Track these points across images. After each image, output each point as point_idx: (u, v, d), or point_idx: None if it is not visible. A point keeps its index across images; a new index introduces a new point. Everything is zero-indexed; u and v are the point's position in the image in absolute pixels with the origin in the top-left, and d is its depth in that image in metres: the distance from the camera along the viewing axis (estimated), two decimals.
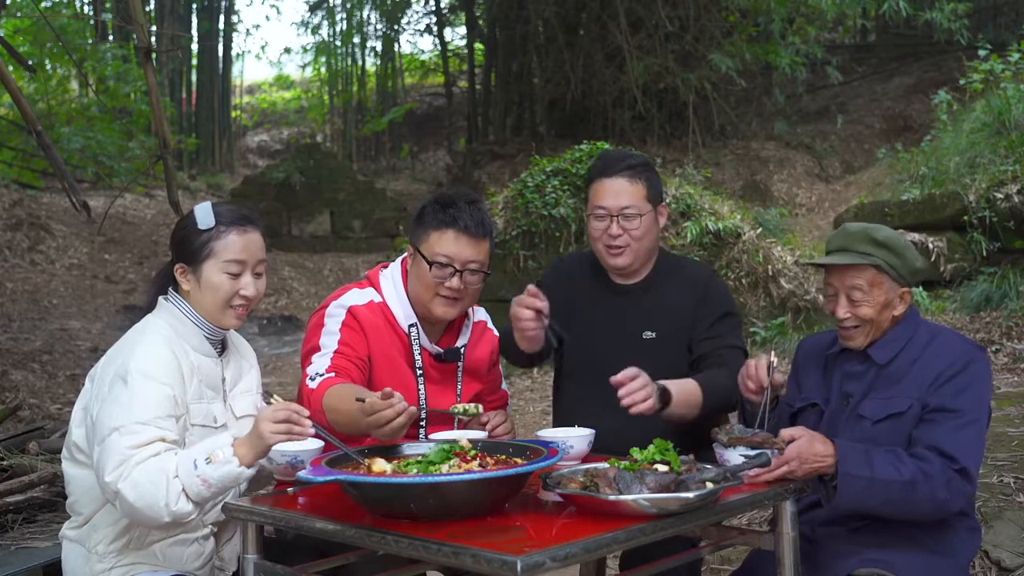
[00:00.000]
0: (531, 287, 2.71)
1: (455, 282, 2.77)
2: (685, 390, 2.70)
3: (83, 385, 2.51)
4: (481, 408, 2.71)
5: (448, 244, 2.77)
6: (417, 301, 2.83)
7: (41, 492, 3.62)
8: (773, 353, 2.64)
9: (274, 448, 2.29)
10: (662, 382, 2.65)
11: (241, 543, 2.29)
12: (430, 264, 2.76)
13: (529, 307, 2.69)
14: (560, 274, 3.15)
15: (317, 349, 2.74)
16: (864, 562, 2.40)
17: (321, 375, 2.64)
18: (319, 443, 2.43)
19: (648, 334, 2.94)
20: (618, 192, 2.93)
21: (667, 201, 3.05)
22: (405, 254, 2.95)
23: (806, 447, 2.34)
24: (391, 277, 2.90)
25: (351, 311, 2.79)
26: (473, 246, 2.78)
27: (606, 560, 3.07)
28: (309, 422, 2.22)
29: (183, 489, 2.21)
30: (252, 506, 2.28)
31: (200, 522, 2.49)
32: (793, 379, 2.83)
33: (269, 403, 2.28)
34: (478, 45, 20.65)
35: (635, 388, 2.52)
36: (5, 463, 3.78)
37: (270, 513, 2.23)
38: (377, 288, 2.88)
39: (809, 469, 2.34)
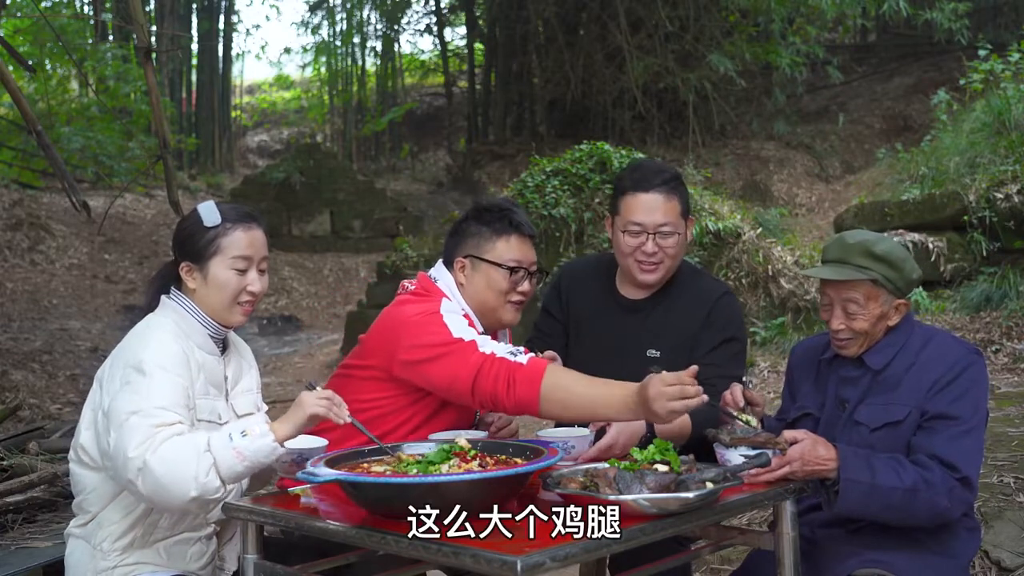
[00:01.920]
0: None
1: (527, 286, 2.81)
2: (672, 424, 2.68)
3: (84, 385, 2.52)
4: (756, 422, 2.49)
5: (514, 249, 2.81)
6: (485, 310, 2.80)
7: (41, 492, 3.62)
8: (745, 377, 2.65)
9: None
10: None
11: (241, 543, 2.30)
12: (511, 270, 2.77)
13: None
14: (560, 295, 3.11)
15: (459, 340, 2.54)
16: (864, 563, 2.40)
17: (520, 351, 2.49)
18: (324, 442, 2.43)
19: (652, 352, 2.90)
20: (654, 208, 2.87)
21: None
22: (439, 264, 2.88)
23: (809, 449, 2.34)
24: (449, 288, 2.81)
25: (465, 315, 2.71)
26: (532, 248, 2.86)
27: (606, 560, 3.07)
28: (347, 409, 2.29)
29: (214, 463, 2.20)
30: (252, 506, 2.29)
31: (204, 521, 2.49)
32: (787, 389, 2.83)
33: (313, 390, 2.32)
34: (478, 45, 20.64)
35: (614, 454, 2.51)
36: (5, 463, 3.78)
37: (271, 513, 2.24)
38: (447, 297, 2.77)
39: (810, 471, 2.34)
